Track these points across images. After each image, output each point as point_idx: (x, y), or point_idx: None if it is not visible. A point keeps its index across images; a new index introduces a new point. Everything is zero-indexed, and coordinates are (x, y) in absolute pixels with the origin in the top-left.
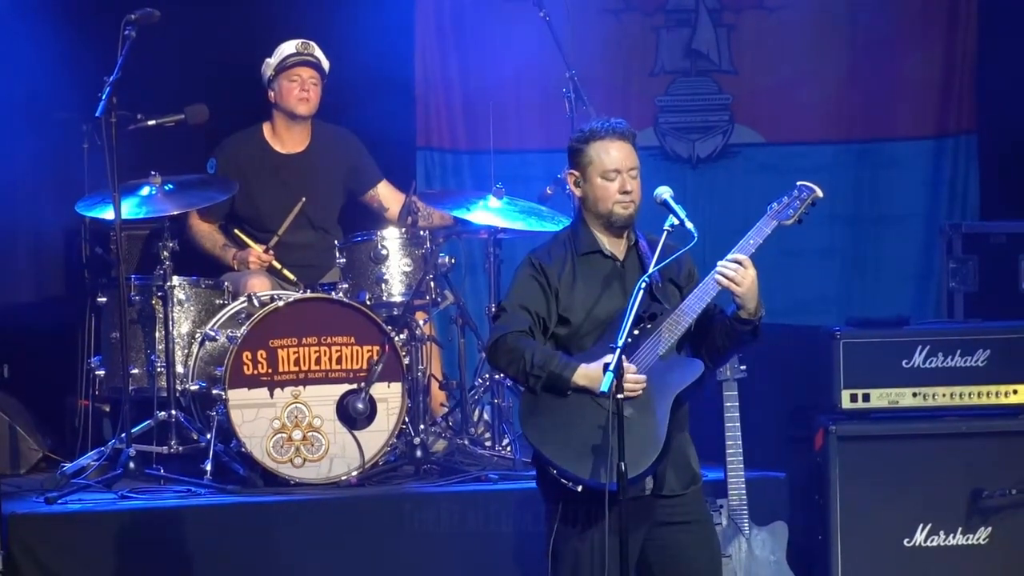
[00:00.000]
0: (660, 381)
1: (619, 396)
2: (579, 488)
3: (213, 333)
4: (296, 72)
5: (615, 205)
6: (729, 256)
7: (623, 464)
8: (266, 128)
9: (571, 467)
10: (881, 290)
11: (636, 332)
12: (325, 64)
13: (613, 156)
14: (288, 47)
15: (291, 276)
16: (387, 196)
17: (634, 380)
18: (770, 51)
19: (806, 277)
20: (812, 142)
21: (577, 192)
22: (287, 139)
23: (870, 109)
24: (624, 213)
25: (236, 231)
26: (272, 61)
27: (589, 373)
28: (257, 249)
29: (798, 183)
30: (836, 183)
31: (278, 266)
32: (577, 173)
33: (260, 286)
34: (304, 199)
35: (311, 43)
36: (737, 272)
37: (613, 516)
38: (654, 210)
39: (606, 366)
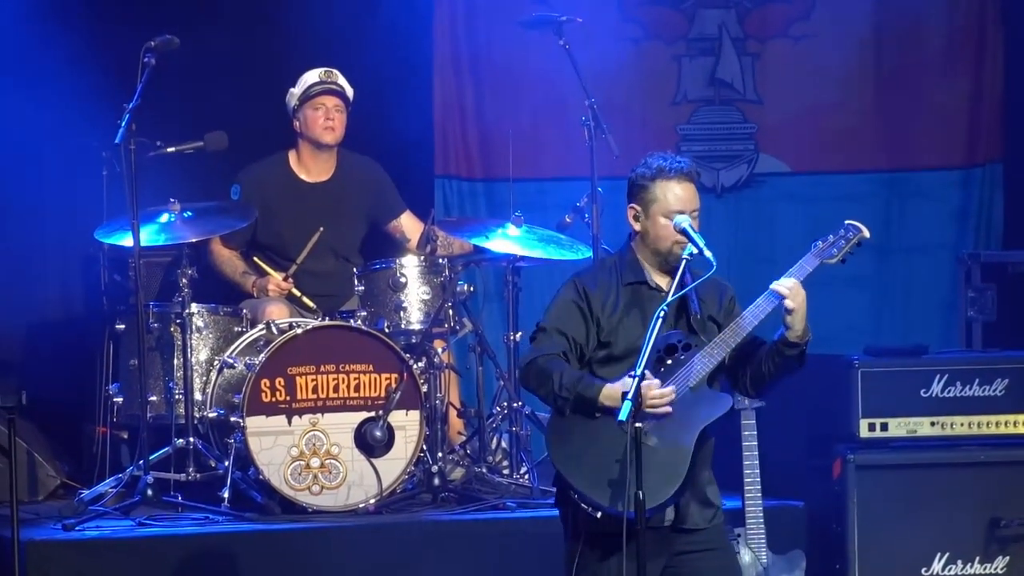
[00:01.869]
0: (688, 414)
1: (637, 425)
2: (598, 514)
3: (231, 360)
4: (320, 101)
5: (675, 246)
6: (779, 281)
7: (641, 492)
8: (291, 156)
9: (592, 493)
10: (909, 320)
11: (669, 362)
12: (349, 92)
13: (679, 196)
14: (311, 76)
15: (310, 304)
16: (410, 227)
17: (659, 394)
18: (795, 80)
19: (834, 307)
20: (838, 171)
21: (636, 226)
22: (312, 168)
23: (896, 138)
24: (679, 253)
25: (256, 259)
26: (296, 91)
27: (614, 392)
28: (276, 277)
29: (846, 222)
30: (863, 213)
31: (297, 294)
32: (638, 208)
33: (278, 313)
34: (322, 228)
35: (334, 71)
36: (793, 288)
37: (632, 544)
38: None
39: (624, 394)
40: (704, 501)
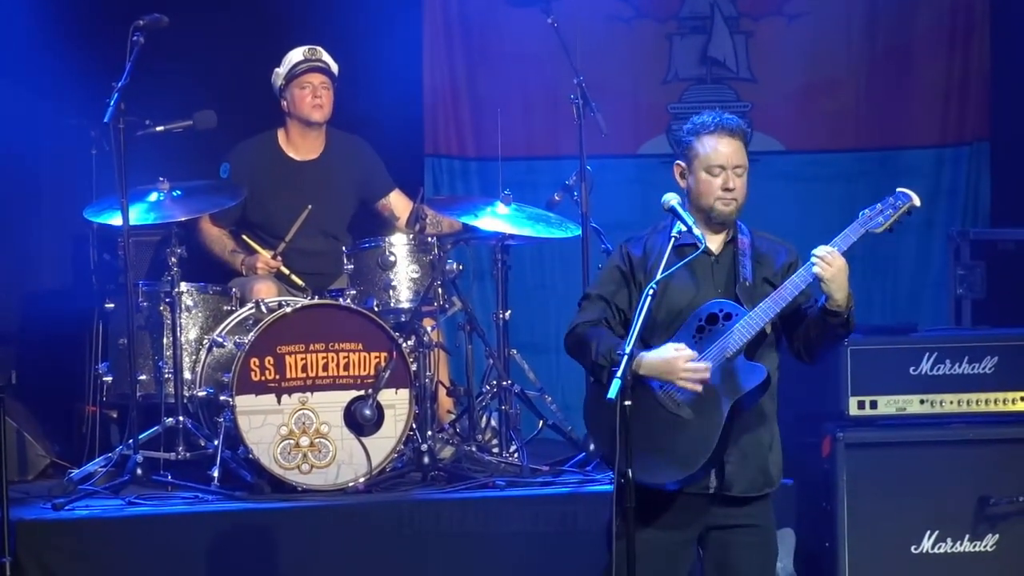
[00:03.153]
0: (723, 384)
1: (626, 403)
2: (622, 480)
3: (221, 339)
4: (307, 79)
5: (717, 201)
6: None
7: (631, 471)
8: (280, 134)
9: (621, 461)
10: (900, 298)
11: (709, 331)
12: (334, 67)
13: (720, 152)
14: (296, 55)
15: (299, 282)
16: (399, 205)
17: (693, 368)
18: (789, 58)
19: None
20: (832, 150)
21: (682, 183)
22: (301, 146)
23: (888, 117)
24: (725, 210)
25: (245, 236)
26: (281, 70)
27: (648, 362)
28: (265, 255)
29: (897, 190)
30: (854, 191)
31: (286, 272)
32: (683, 164)
33: (267, 292)
34: (310, 206)
35: (318, 48)
36: (826, 257)
37: (665, 513)
38: (660, 215)
39: (612, 372)
40: (757, 469)
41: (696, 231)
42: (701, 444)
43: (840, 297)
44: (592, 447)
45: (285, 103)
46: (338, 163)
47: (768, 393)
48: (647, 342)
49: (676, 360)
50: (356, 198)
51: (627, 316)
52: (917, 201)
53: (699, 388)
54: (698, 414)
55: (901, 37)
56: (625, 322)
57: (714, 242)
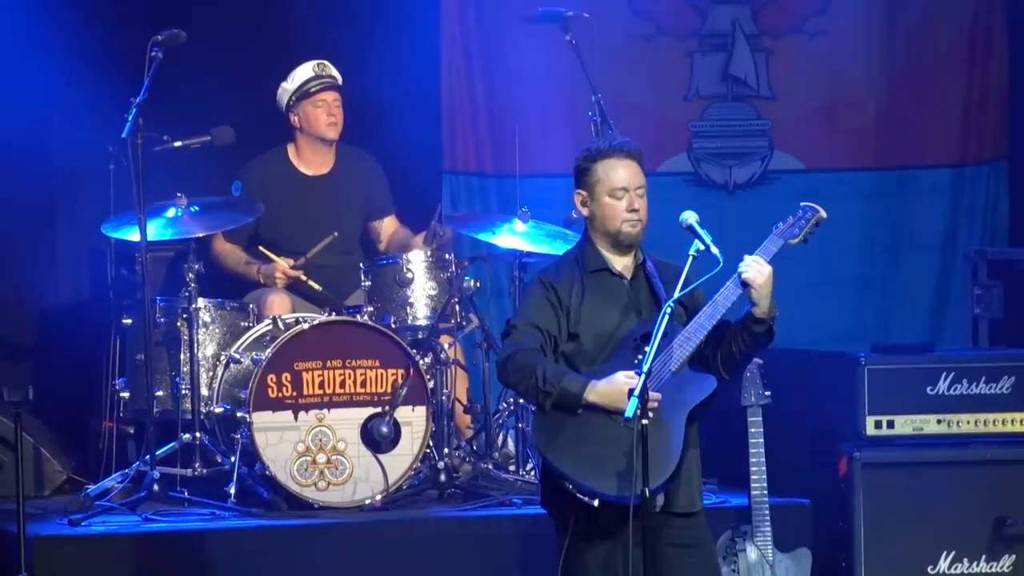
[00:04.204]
0: (673, 397)
1: (644, 422)
2: (595, 502)
3: (238, 355)
4: (321, 98)
5: (623, 224)
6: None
7: (647, 489)
8: (290, 149)
9: (588, 481)
10: (920, 318)
11: (647, 349)
12: (340, 80)
13: (621, 174)
14: (305, 70)
15: (317, 286)
16: (387, 230)
17: (651, 398)
18: (809, 76)
19: (846, 305)
20: (851, 168)
21: (584, 211)
22: (312, 161)
23: (907, 135)
24: (632, 231)
25: (261, 248)
26: (290, 86)
27: (600, 390)
28: (283, 263)
29: (802, 204)
30: (875, 210)
31: (304, 278)
32: (584, 193)
33: (281, 307)
34: (337, 233)
35: (326, 63)
36: (752, 266)
37: (632, 530)
38: (678, 233)
39: (631, 391)
40: (691, 483)
41: (714, 249)
42: (664, 457)
43: (766, 305)
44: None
45: (296, 119)
46: (349, 177)
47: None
48: (575, 368)
49: (626, 387)
50: (364, 213)
51: (558, 343)
52: (823, 213)
53: (655, 402)
54: (654, 428)
55: (920, 56)
56: (556, 348)
57: (625, 266)
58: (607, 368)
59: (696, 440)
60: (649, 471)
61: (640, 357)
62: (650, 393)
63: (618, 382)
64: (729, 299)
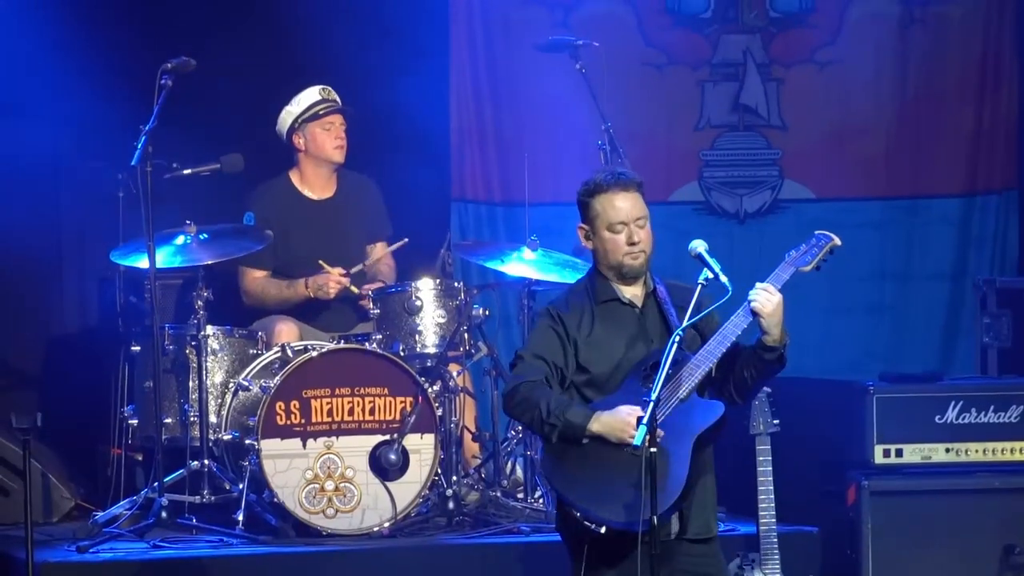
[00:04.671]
0: (681, 423)
1: (652, 450)
2: (602, 529)
3: (246, 383)
4: (329, 120)
5: (624, 257)
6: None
7: (655, 518)
8: (294, 176)
9: (594, 509)
10: (930, 347)
11: (655, 378)
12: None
13: (619, 208)
14: (311, 95)
15: (355, 289)
16: (373, 255)
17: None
18: (820, 106)
19: (855, 334)
20: (862, 197)
21: (588, 245)
22: (316, 185)
23: (917, 165)
24: (634, 264)
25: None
26: (295, 110)
27: (604, 420)
28: (334, 272)
29: (816, 232)
30: (884, 240)
31: (355, 290)
32: (586, 227)
33: (288, 335)
34: (406, 239)
35: (328, 88)
36: (764, 293)
37: (641, 558)
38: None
39: (639, 419)
40: (705, 509)
41: (723, 278)
42: (671, 484)
43: (776, 333)
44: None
45: (301, 141)
46: (351, 201)
47: None
48: (586, 397)
49: (629, 420)
50: (366, 236)
51: (564, 375)
52: (838, 241)
53: (660, 433)
54: (661, 454)
55: (930, 85)
56: (563, 380)
57: (635, 295)
58: (615, 398)
59: (711, 466)
60: (657, 497)
61: (649, 386)
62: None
63: (621, 413)
64: (739, 327)
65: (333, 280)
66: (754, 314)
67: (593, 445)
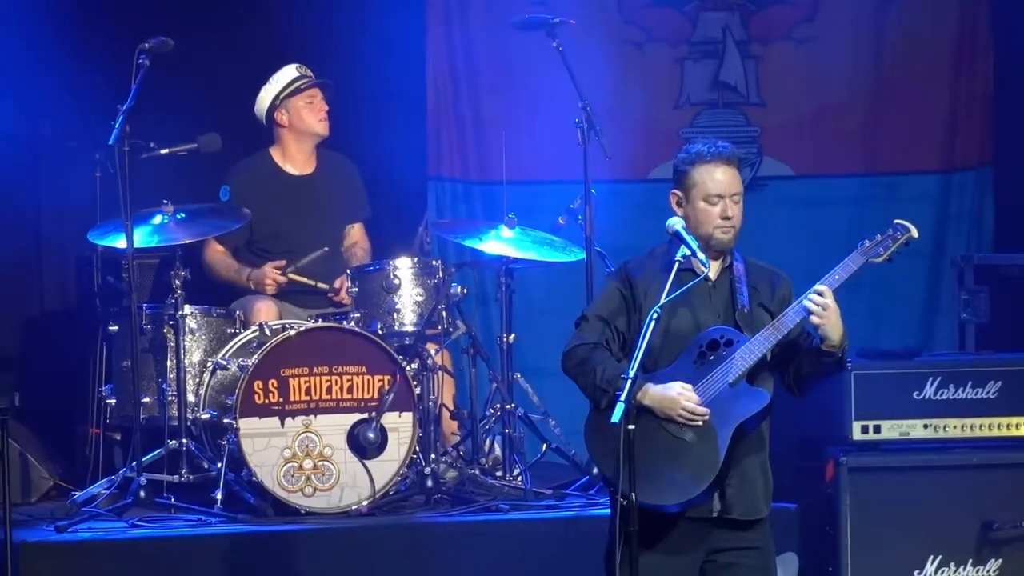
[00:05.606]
0: (725, 409)
1: (630, 427)
2: (624, 501)
3: (224, 362)
4: (311, 94)
5: (715, 230)
6: (813, 288)
7: (635, 495)
8: (274, 152)
9: (625, 483)
10: (909, 323)
11: (711, 357)
12: None
13: (718, 180)
14: (290, 72)
15: (311, 281)
16: (351, 237)
17: (691, 411)
18: (798, 83)
19: None
20: (840, 175)
21: (679, 212)
22: (297, 160)
23: (895, 142)
24: (724, 238)
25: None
26: (274, 88)
27: (653, 394)
28: (271, 270)
29: (894, 221)
30: (863, 216)
31: (297, 278)
32: (680, 193)
33: (267, 313)
34: (327, 247)
35: (304, 65)
36: (818, 304)
37: (667, 537)
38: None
39: (617, 395)
40: (754, 492)
41: (700, 255)
42: (704, 467)
43: (835, 338)
44: (595, 470)
45: (284, 116)
46: (331, 179)
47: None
48: (646, 367)
49: (678, 400)
50: (344, 215)
51: (626, 338)
52: (915, 232)
53: (699, 423)
54: (701, 438)
55: (907, 62)
56: (624, 344)
57: (712, 268)
58: (669, 371)
59: (760, 450)
60: (686, 481)
61: (702, 363)
62: (692, 406)
63: (672, 390)
64: (793, 320)
65: (268, 279)
66: (813, 327)
67: (640, 418)
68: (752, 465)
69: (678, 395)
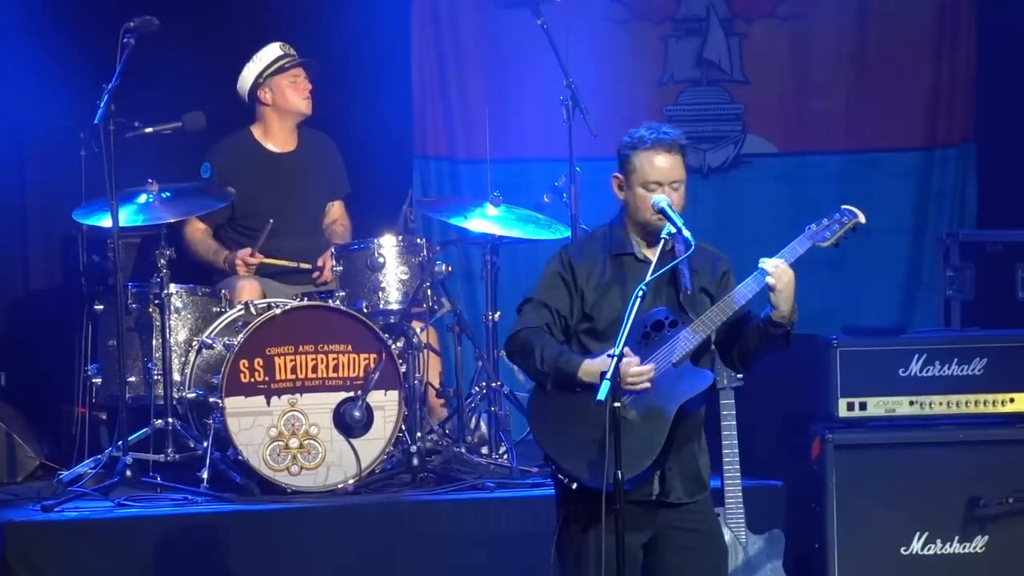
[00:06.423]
0: (668, 389)
1: (616, 405)
2: (573, 485)
3: (210, 341)
4: (295, 73)
5: (653, 217)
6: (766, 261)
7: (620, 472)
8: (256, 130)
9: (567, 463)
10: (891, 300)
11: (655, 338)
12: None
13: (657, 167)
14: (272, 50)
15: (289, 263)
16: (332, 215)
17: (638, 372)
18: (782, 61)
19: (817, 287)
20: (824, 151)
21: (620, 195)
22: (279, 138)
23: (878, 119)
24: (660, 225)
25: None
26: (257, 66)
27: (592, 368)
28: (243, 253)
29: (842, 207)
30: (847, 193)
31: (270, 261)
32: (621, 177)
33: (251, 292)
34: (272, 220)
35: (287, 44)
36: (778, 267)
37: (611, 517)
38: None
39: (603, 374)
40: (691, 476)
41: (685, 233)
42: (647, 446)
43: (786, 309)
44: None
45: (268, 95)
46: (313, 156)
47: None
48: (586, 347)
49: (623, 366)
50: (325, 193)
51: (568, 322)
52: (863, 218)
53: (647, 387)
54: (644, 417)
55: (890, 39)
56: (566, 328)
57: (651, 252)
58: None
59: (698, 433)
60: (630, 458)
61: (646, 343)
62: (637, 367)
63: (595, 363)
64: (744, 296)
65: (239, 260)
66: (767, 288)
67: (581, 398)
68: (691, 447)
69: (600, 365)
